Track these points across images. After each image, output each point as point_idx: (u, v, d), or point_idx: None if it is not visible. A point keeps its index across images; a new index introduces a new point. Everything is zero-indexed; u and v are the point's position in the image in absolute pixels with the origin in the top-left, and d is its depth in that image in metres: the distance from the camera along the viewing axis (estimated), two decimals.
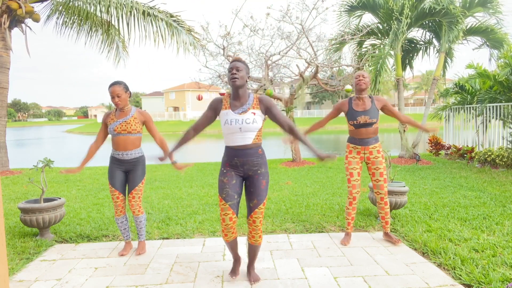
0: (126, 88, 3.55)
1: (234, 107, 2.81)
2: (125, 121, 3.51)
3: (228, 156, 2.86)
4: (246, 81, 2.82)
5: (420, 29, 10.67)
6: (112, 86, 3.49)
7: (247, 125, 2.74)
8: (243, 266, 3.22)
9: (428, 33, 10.81)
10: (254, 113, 2.78)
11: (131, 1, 9.74)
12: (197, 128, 2.94)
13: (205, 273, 3.22)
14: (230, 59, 9.90)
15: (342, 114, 3.95)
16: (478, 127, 9.88)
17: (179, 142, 2.97)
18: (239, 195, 2.89)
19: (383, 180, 3.80)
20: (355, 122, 3.73)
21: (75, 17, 10.04)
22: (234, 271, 3.09)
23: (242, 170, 2.85)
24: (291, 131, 2.85)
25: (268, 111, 2.84)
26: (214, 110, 2.88)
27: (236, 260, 3.12)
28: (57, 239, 4.14)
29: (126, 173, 3.64)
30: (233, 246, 3.03)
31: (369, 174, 3.88)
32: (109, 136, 3.65)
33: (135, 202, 3.61)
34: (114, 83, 3.52)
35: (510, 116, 8.66)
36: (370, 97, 3.80)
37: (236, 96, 2.82)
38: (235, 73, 2.75)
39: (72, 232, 4.30)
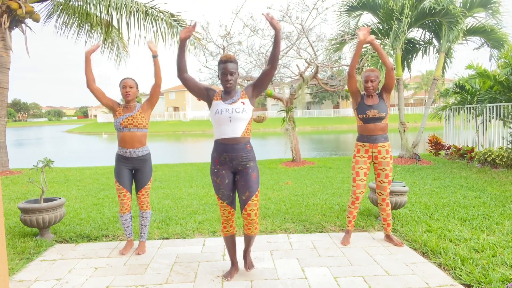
0: (137, 85, 3.69)
1: (224, 99, 2.92)
2: (131, 116, 3.56)
3: (217, 151, 2.92)
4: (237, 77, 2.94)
5: (420, 29, 10.68)
6: (126, 79, 3.62)
7: (236, 114, 2.82)
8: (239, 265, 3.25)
9: (428, 33, 10.82)
10: (244, 103, 2.88)
11: (131, 1, 9.74)
12: (188, 75, 2.91)
13: (205, 273, 3.23)
14: None
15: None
16: (478, 127, 9.88)
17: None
18: (234, 192, 3.01)
19: (387, 182, 3.78)
20: (364, 115, 3.72)
21: (75, 17, 10.04)
22: (230, 274, 3.10)
23: (232, 165, 2.91)
24: (272, 59, 2.81)
25: (253, 88, 2.93)
26: (206, 91, 2.96)
27: (233, 264, 3.16)
28: (57, 239, 4.14)
29: (132, 170, 3.67)
30: (230, 244, 3.08)
31: (374, 174, 3.86)
32: (113, 134, 3.68)
33: (144, 198, 3.71)
34: (127, 77, 3.65)
35: (510, 116, 8.66)
36: (377, 93, 3.81)
37: (228, 92, 2.94)
38: (230, 79, 2.85)
39: (72, 232, 4.30)
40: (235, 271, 3.14)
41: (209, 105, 2.97)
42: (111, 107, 3.67)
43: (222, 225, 3.06)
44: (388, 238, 3.88)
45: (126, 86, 3.57)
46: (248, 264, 3.16)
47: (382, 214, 3.88)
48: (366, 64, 10.01)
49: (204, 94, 2.95)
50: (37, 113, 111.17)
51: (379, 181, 3.82)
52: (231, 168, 2.92)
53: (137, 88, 3.66)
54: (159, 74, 3.58)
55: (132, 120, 3.54)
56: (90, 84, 3.55)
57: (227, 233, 3.06)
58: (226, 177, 2.92)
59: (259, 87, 2.94)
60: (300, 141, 11.17)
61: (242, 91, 2.95)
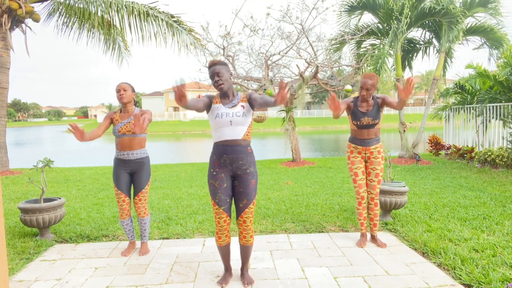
0: (133, 88, 3.67)
1: (224, 103, 2.88)
2: (129, 122, 3.55)
3: (217, 154, 2.85)
4: (230, 78, 2.88)
5: (420, 29, 10.68)
6: (120, 83, 3.62)
7: (237, 118, 2.79)
8: (236, 266, 3.22)
9: (428, 33, 10.82)
10: (243, 106, 2.86)
11: (132, 2, 9.75)
12: (192, 102, 2.75)
13: (205, 273, 3.22)
14: (230, 59, 9.91)
15: (345, 113, 3.93)
16: (478, 127, 9.88)
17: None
18: (231, 198, 2.92)
19: (377, 181, 3.80)
20: (358, 122, 3.74)
21: (76, 17, 10.05)
22: (225, 280, 3.03)
23: (231, 168, 2.85)
24: (262, 105, 2.79)
25: (250, 99, 2.89)
26: (209, 99, 2.91)
27: (227, 270, 3.10)
28: (57, 239, 4.14)
29: (131, 174, 3.65)
30: (225, 253, 3.03)
31: (365, 172, 3.88)
32: (112, 138, 3.65)
33: (141, 204, 3.66)
34: (121, 82, 3.65)
35: (510, 116, 8.66)
36: (372, 97, 3.76)
37: (225, 96, 2.90)
38: (219, 80, 2.81)
39: (72, 232, 4.30)
40: (229, 276, 3.08)
41: (209, 109, 2.89)
42: (110, 123, 3.62)
43: (217, 235, 2.95)
44: (373, 238, 3.87)
45: (120, 90, 3.56)
46: (247, 280, 3.03)
47: (370, 214, 3.87)
48: (365, 65, 10.01)
49: (208, 103, 2.88)
50: (37, 113, 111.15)
51: (369, 180, 3.84)
52: (231, 172, 2.87)
53: (132, 91, 3.63)
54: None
55: (130, 127, 3.52)
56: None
57: (222, 243, 2.98)
58: (225, 180, 2.86)
59: (253, 102, 2.86)
60: (300, 141, 11.17)
61: (243, 95, 2.92)
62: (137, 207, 3.66)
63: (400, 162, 9.53)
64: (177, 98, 2.43)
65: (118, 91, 3.57)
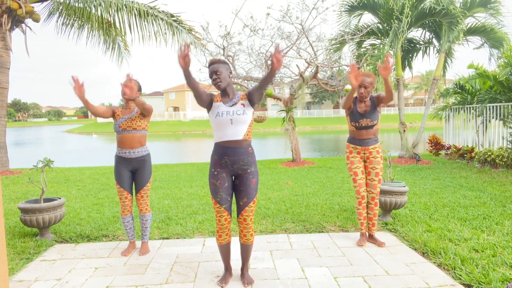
0: (139, 87, 3.67)
1: (225, 101, 2.90)
2: (130, 118, 3.56)
3: (218, 155, 2.86)
4: (230, 76, 2.90)
5: (420, 29, 10.68)
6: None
7: (237, 117, 2.80)
8: (236, 266, 3.22)
9: (428, 33, 10.82)
10: (244, 105, 2.86)
11: (132, 1, 9.75)
12: (195, 80, 2.72)
13: (205, 273, 3.23)
14: (230, 59, 9.90)
15: (343, 113, 3.93)
16: (478, 127, 9.88)
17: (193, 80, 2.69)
18: (232, 197, 2.95)
19: (377, 180, 3.81)
20: (357, 124, 3.76)
21: (76, 17, 10.04)
22: (225, 280, 3.03)
23: (232, 169, 2.87)
24: (260, 86, 2.77)
25: (249, 95, 2.87)
26: (210, 96, 2.92)
27: (227, 269, 3.10)
28: (57, 239, 4.14)
29: (132, 172, 3.66)
30: (225, 252, 3.04)
31: (365, 172, 3.88)
32: (111, 138, 3.65)
33: (143, 201, 3.69)
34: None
35: (510, 116, 8.66)
36: (370, 97, 3.78)
37: (225, 94, 2.92)
38: (217, 78, 2.84)
39: (72, 232, 4.30)
40: (229, 276, 3.08)
41: (210, 107, 2.90)
42: (111, 114, 3.62)
43: (218, 234, 2.97)
44: (371, 237, 3.88)
45: (127, 85, 3.55)
46: (247, 280, 3.03)
47: (369, 213, 3.87)
48: (365, 65, 10.01)
49: (210, 100, 2.89)
50: (37, 113, 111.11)
51: (369, 179, 3.84)
52: (232, 172, 2.88)
53: (139, 90, 3.63)
54: (144, 108, 3.49)
55: (130, 122, 3.55)
56: (97, 114, 3.47)
57: (222, 242, 2.99)
58: (226, 180, 2.88)
59: (252, 95, 2.85)
60: (300, 141, 11.17)
61: (242, 93, 2.93)
62: (139, 203, 3.69)
63: (400, 162, 9.53)
64: (181, 56, 2.50)
65: (125, 86, 3.54)
